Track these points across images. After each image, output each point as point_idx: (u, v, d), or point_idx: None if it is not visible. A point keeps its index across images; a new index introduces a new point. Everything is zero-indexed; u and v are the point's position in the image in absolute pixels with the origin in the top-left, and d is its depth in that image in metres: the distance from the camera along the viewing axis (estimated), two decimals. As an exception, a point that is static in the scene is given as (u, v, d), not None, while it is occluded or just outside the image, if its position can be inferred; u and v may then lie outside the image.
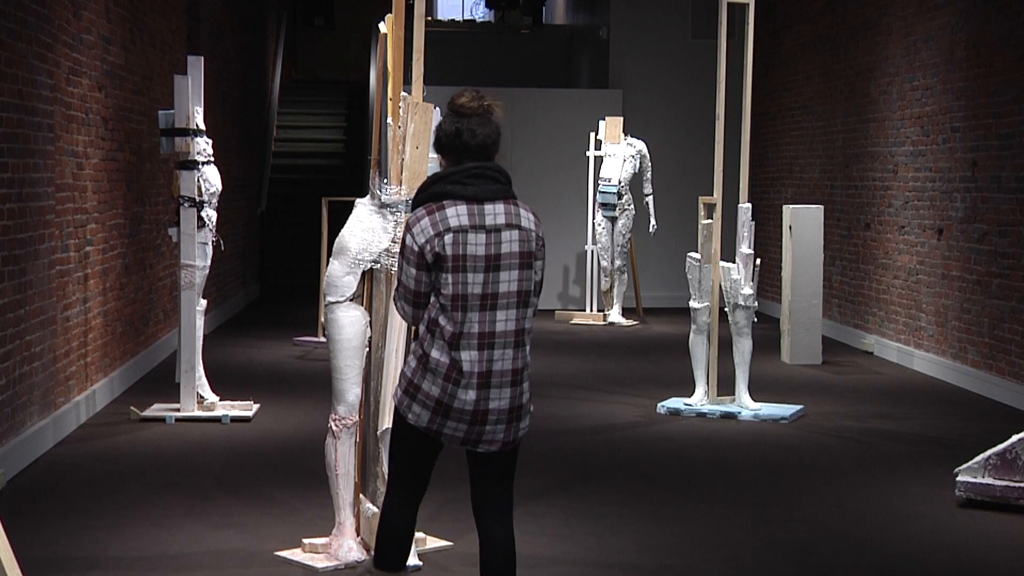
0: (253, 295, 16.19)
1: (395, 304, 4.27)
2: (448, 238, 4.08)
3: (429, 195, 4.17)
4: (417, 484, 4.31)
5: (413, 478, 4.30)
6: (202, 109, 8.38)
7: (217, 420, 8.30)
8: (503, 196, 4.17)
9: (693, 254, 8.95)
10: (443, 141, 4.23)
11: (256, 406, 8.62)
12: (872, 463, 7.50)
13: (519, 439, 4.22)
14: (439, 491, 6.56)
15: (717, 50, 9.03)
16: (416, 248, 4.11)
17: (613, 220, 13.67)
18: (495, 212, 4.14)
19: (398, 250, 5.33)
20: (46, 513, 6.19)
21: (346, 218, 5.57)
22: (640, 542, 5.88)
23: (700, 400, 8.96)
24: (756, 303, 8.85)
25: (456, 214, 4.10)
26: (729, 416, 8.78)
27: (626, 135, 13.82)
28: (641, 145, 13.69)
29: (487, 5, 22.36)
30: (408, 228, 4.14)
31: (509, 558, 4.24)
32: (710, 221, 8.91)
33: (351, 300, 5.45)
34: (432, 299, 4.16)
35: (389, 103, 5.56)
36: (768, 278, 14.25)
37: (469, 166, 4.17)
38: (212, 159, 8.51)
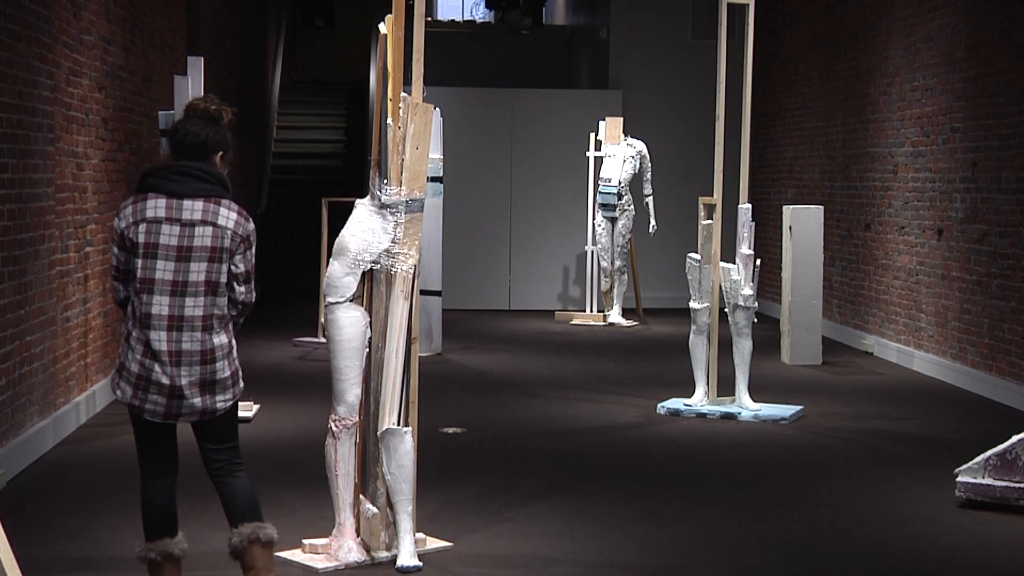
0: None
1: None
2: (142, 227, 4.58)
3: (139, 186, 4.68)
4: (162, 458, 4.84)
5: (156, 453, 4.83)
6: (202, 110, 8.37)
7: (217, 420, 8.29)
8: (205, 194, 4.63)
9: (693, 255, 8.95)
10: (169, 137, 4.79)
11: (256, 407, 8.62)
12: (872, 463, 7.50)
13: (220, 409, 4.69)
14: (439, 492, 6.57)
15: (717, 50, 9.03)
16: (118, 231, 4.63)
17: (613, 220, 13.67)
18: (193, 208, 4.60)
19: (398, 250, 5.41)
20: (46, 513, 6.19)
21: (346, 219, 5.57)
22: (640, 542, 5.89)
23: (700, 401, 8.96)
24: (756, 304, 8.85)
25: (155, 206, 4.60)
26: (729, 417, 8.78)
27: (626, 135, 13.82)
28: (641, 146, 13.69)
29: (487, 5, 22.35)
30: (118, 212, 4.65)
31: (254, 503, 4.77)
32: (710, 222, 8.91)
33: (351, 301, 5.45)
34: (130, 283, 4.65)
35: (389, 103, 5.56)
36: (768, 279, 14.25)
37: (178, 164, 4.68)
38: (212, 160, 8.50)
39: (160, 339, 4.56)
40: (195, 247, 4.58)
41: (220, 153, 4.78)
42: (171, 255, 4.57)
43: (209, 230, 4.60)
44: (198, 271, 4.59)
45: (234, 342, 4.74)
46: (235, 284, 4.67)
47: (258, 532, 4.71)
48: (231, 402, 4.73)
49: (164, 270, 4.57)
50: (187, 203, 4.60)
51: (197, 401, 4.64)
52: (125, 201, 4.65)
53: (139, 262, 4.58)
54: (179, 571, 4.80)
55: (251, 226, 4.72)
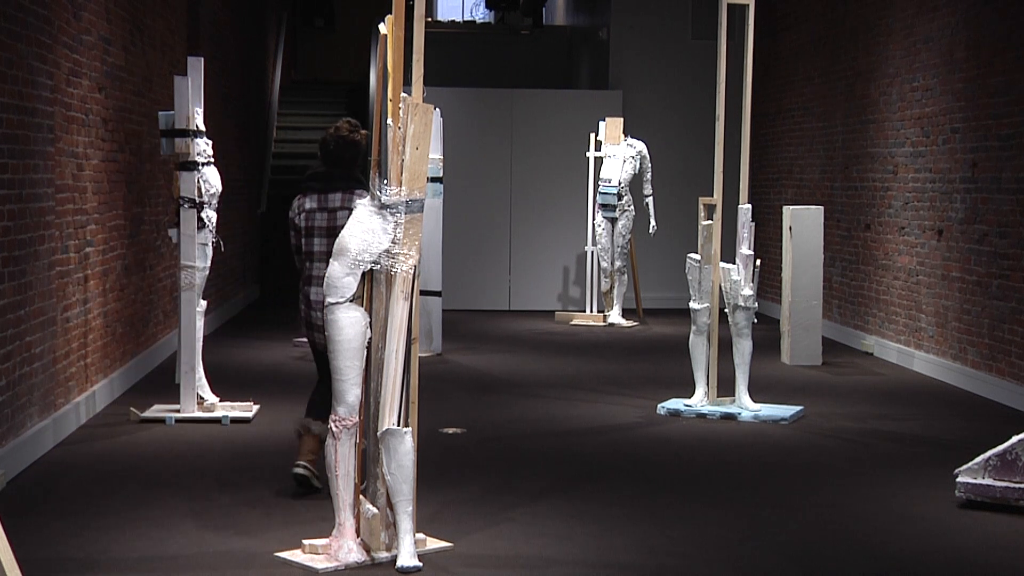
0: (253, 296, 16.19)
1: None
2: (303, 215, 6.55)
3: (303, 187, 6.63)
4: (324, 369, 6.52)
5: (322, 366, 6.59)
6: (202, 110, 8.38)
7: (217, 421, 8.30)
8: (342, 188, 6.53)
9: (693, 255, 8.95)
10: (320, 151, 6.62)
11: (256, 407, 8.62)
12: (872, 464, 7.50)
13: None
14: (439, 492, 6.57)
15: (717, 50, 9.03)
16: (291, 218, 6.60)
17: (613, 221, 13.66)
18: (335, 199, 6.52)
19: (398, 251, 5.44)
20: (46, 513, 6.19)
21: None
22: (640, 542, 5.89)
23: (700, 401, 8.96)
24: (756, 304, 8.85)
25: (310, 200, 6.56)
26: (729, 417, 8.78)
27: (626, 136, 13.82)
28: (641, 146, 13.69)
29: (487, 6, 22.34)
30: (291, 207, 6.61)
31: (324, 406, 6.16)
32: (710, 222, 8.91)
33: (351, 301, 5.46)
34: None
35: (389, 104, 5.56)
36: (768, 279, 14.25)
37: (324, 170, 6.57)
38: (212, 160, 8.51)
39: (318, 293, 6.30)
40: (338, 226, 6.19)
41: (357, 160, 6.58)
42: (323, 233, 6.47)
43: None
44: None
45: None
46: None
47: (310, 426, 6.56)
48: None
49: (319, 244, 6.48)
50: (331, 196, 6.53)
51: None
52: (295, 199, 6.60)
53: (303, 240, 6.54)
54: (317, 445, 6.50)
55: None
